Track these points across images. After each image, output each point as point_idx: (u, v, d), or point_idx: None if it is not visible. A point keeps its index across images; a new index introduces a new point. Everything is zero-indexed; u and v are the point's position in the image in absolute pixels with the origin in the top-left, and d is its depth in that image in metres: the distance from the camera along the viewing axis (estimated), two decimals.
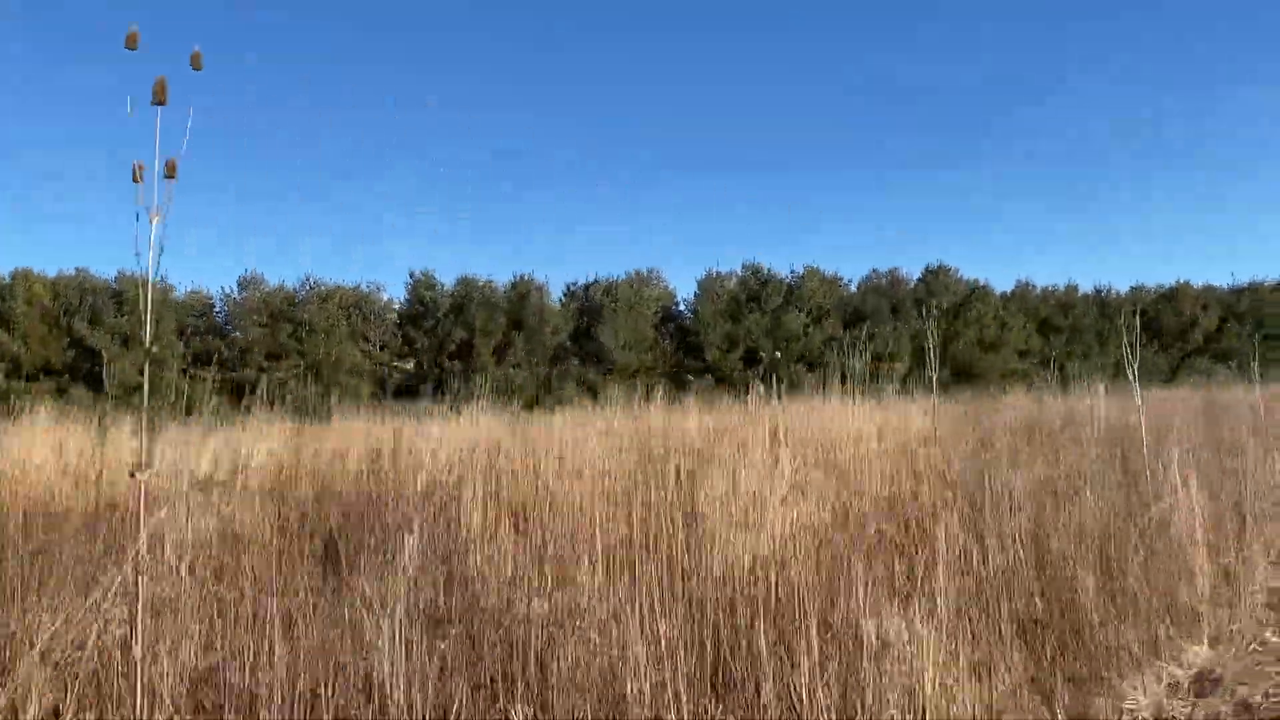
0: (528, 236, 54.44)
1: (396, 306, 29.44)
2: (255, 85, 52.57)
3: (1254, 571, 4.99)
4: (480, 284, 28.82)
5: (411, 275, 28.75)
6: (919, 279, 32.88)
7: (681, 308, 31.82)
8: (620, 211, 57.59)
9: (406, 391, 27.53)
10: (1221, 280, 38.85)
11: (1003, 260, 71.05)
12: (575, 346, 29.16)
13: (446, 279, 29.48)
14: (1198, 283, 36.19)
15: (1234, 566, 4.93)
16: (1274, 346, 35.11)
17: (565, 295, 31.25)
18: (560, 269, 64.69)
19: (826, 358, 30.99)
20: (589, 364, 28.81)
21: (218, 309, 27.01)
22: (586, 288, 30.41)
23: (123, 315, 24.61)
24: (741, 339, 29.64)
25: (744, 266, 31.84)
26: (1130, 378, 9.04)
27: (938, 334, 32.31)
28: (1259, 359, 33.70)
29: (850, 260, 68.63)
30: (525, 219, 56.21)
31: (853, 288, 33.04)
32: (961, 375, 31.02)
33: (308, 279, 27.76)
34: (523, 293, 28.85)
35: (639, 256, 73.71)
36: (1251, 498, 6.12)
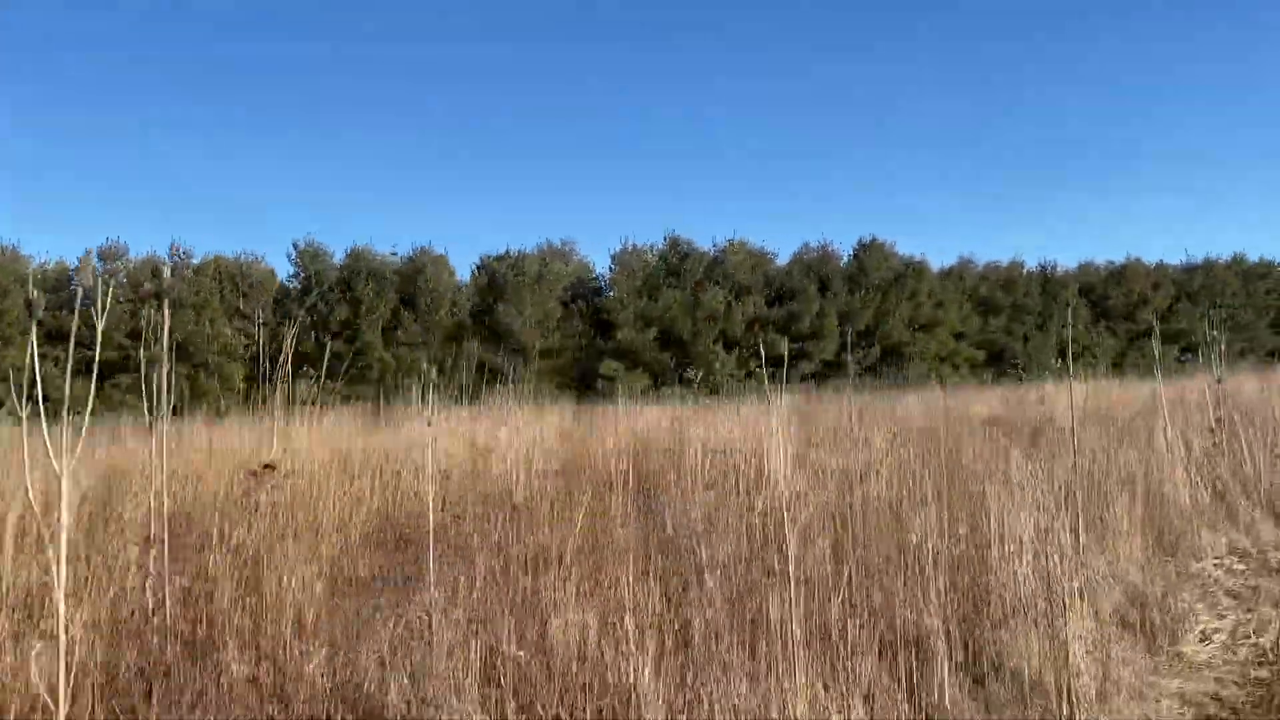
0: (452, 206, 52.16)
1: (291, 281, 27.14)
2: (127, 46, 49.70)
3: None
4: (372, 256, 26.55)
5: (296, 246, 26.42)
6: (851, 254, 30.87)
7: (603, 283, 29.71)
8: (544, 182, 55.33)
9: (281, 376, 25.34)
10: (1176, 258, 37.16)
11: (956, 236, 69.47)
12: (477, 325, 27.01)
13: (341, 249, 27.23)
14: (1151, 260, 34.43)
15: None
16: (1227, 327, 33.45)
17: (477, 269, 29.07)
18: (481, 241, 62.72)
19: (746, 339, 29.15)
20: (491, 344, 26.69)
21: (73, 282, 24.61)
22: (494, 261, 28.18)
23: None
24: (657, 317, 27.59)
25: (666, 239, 29.72)
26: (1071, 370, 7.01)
27: (868, 313, 30.21)
28: (1206, 341, 31.97)
29: (790, 235, 66.61)
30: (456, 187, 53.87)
31: (784, 262, 30.98)
32: (891, 357, 29.20)
33: (176, 248, 25.42)
34: (419, 266, 26.61)
35: (569, 228, 71.31)
36: None
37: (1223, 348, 9.97)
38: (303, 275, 26.44)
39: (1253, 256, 35.58)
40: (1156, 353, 9.71)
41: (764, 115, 59.35)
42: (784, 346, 29.31)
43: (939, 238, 64.55)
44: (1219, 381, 9.22)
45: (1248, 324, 33.45)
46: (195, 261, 25.49)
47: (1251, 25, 57.84)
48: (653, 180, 56.84)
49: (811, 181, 57.67)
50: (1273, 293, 34.30)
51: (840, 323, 28.90)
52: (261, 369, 25.12)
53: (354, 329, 25.22)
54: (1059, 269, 33.01)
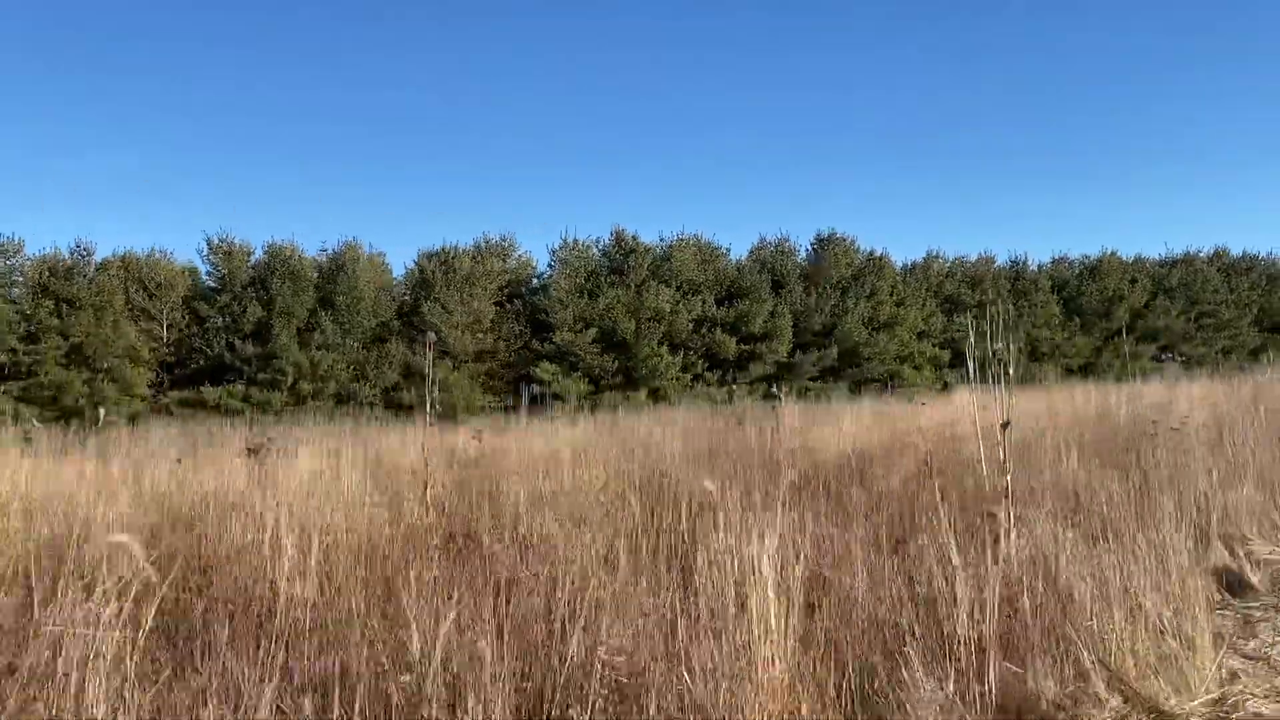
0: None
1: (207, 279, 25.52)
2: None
3: None
4: (290, 253, 24.93)
5: (209, 242, 24.80)
6: (809, 249, 29.25)
7: (542, 281, 28.09)
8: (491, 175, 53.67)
9: (190, 381, 23.81)
10: (1155, 252, 35.50)
11: (927, 232, 67.86)
12: (404, 326, 25.40)
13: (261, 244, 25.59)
14: (1128, 254, 32.80)
15: None
16: (1204, 325, 31.91)
17: (412, 267, 27.47)
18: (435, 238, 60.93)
19: (693, 340, 27.54)
20: (421, 346, 25.08)
21: None
22: (425, 258, 26.58)
23: None
24: (598, 317, 25.97)
25: (612, 234, 28.08)
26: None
27: (825, 312, 28.49)
28: (1182, 340, 30.36)
29: (750, 231, 64.95)
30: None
31: (741, 258, 29.33)
32: (848, 358, 27.61)
33: (79, 245, 23.82)
34: (340, 264, 25.00)
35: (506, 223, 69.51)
36: None
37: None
38: (217, 274, 24.84)
39: (1235, 250, 33.99)
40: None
41: (730, 107, 57.72)
42: (732, 347, 27.84)
43: (908, 233, 62.99)
44: None
45: (1230, 321, 31.82)
46: (97, 258, 23.90)
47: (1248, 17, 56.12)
48: (614, 174, 55.23)
49: (783, 175, 56.05)
50: (1256, 288, 32.64)
51: (795, 322, 27.31)
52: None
53: (268, 331, 23.61)
54: (1031, 264, 31.39)
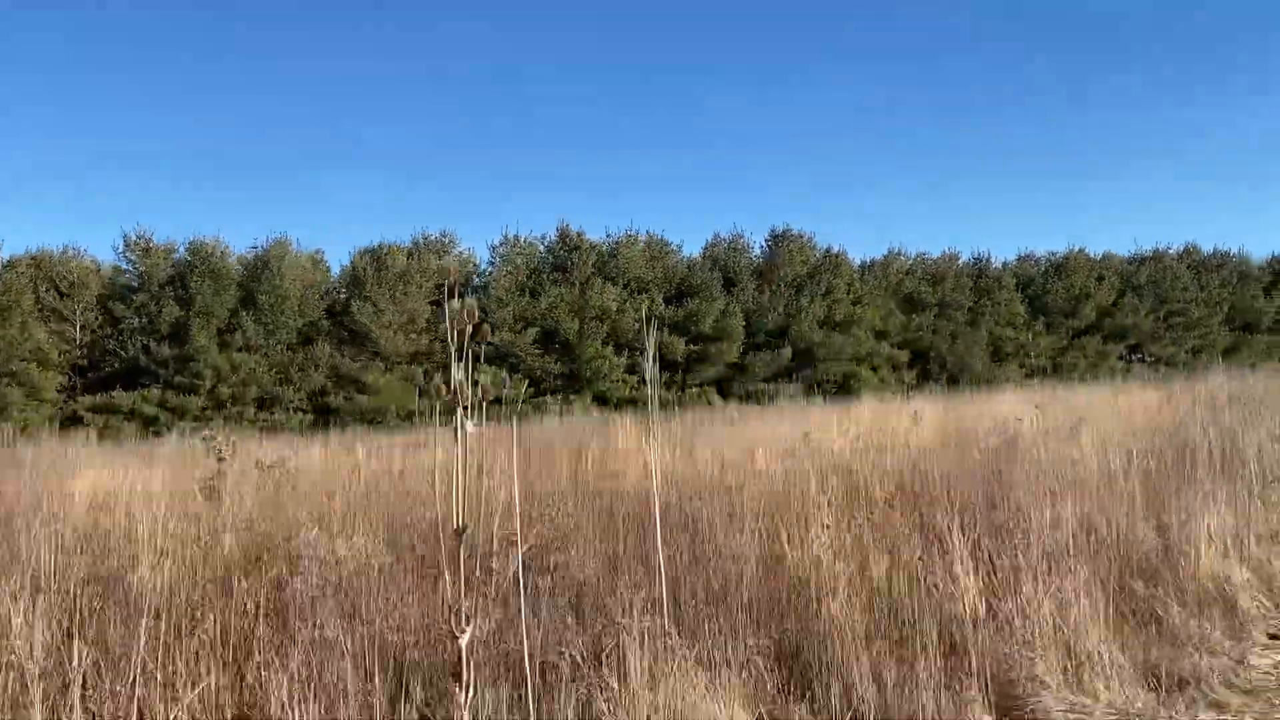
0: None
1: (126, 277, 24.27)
2: None
3: None
4: (212, 250, 23.71)
5: (126, 239, 23.59)
6: (763, 246, 28.20)
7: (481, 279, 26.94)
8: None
9: (103, 385, 22.58)
10: (1124, 249, 34.60)
11: (895, 229, 66.89)
12: (334, 326, 24.22)
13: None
14: (1096, 251, 31.84)
15: None
16: (1173, 324, 30.98)
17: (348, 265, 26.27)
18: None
19: (639, 341, 26.43)
20: (351, 348, 23.93)
21: None
22: (358, 256, 25.40)
23: None
24: (540, 316, 24.85)
25: (558, 229, 26.97)
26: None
27: (778, 310, 27.46)
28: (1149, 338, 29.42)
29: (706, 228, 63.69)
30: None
31: (693, 255, 28.23)
32: (803, 359, 26.57)
33: None
34: (265, 261, 23.80)
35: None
36: None
37: None
38: (135, 272, 23.62)
39: (1206, 247, 33.11)
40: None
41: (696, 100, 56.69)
42: (681, 348, 26.74)
43: (871, 231, 62.11)
44: None
45: (1199, 320, 30.87)
46: (4, 255, 22.65)
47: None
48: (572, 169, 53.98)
49: (741, 175, 55.05)
50: (1226, 285, 31.72)
51: (748, 322, 26.25)
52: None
53: (185, 332, 22.40)
54: (995, 261, 30.41)
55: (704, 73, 57.51)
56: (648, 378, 4.41)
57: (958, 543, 4.09)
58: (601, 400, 25.19)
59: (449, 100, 54.77)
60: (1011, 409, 10.94)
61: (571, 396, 24.68)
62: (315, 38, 52.88)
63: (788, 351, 26.28)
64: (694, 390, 25.63)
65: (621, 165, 53.95)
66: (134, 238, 23.43)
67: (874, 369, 27.30)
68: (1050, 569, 3.99)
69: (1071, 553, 4.23)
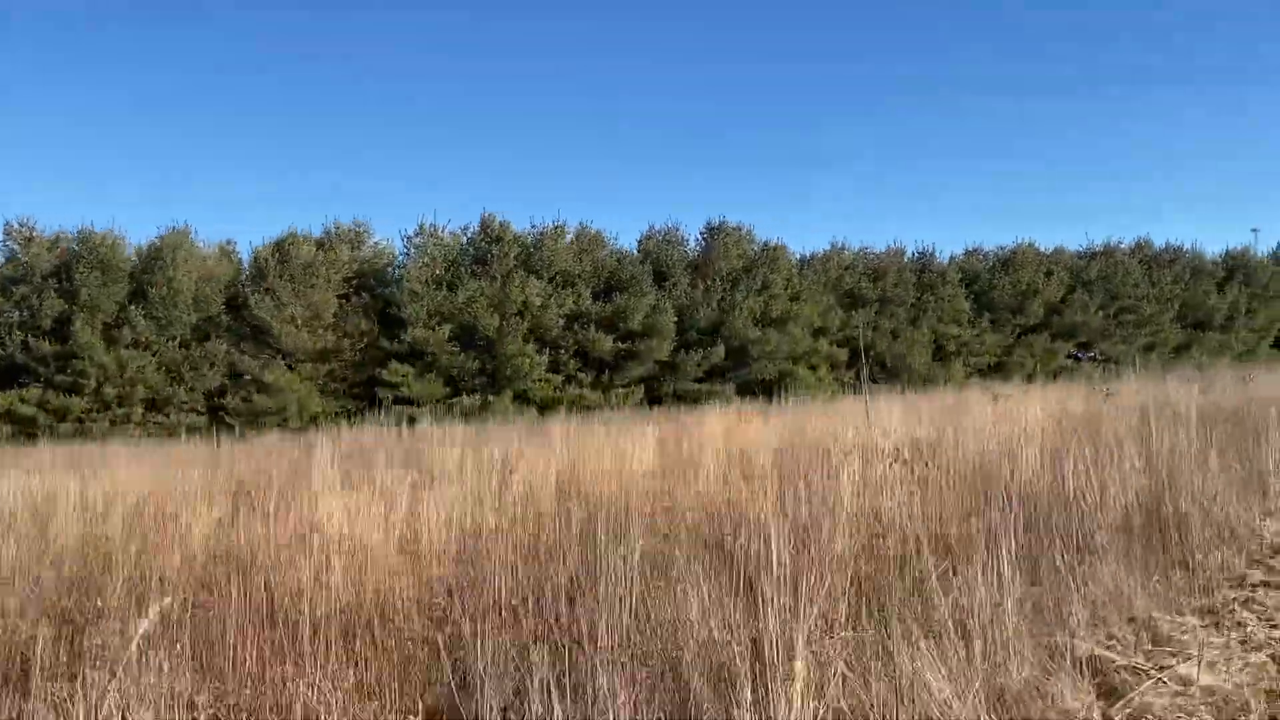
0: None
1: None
2: None
3: None
4: (102, 240, 22.22)
5: (7, 227, 22.06)
6: (698, 238, 27.03)
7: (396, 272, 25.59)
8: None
9: None
10: (1076, 243, 33.72)
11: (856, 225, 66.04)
12: (233, 322, 22.82)
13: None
14: (1047, 246, 30.89)
15: None
16: (1123, 321, 30.13)
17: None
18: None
19: (564, 337, 25.22)
20: (251, 344, 22.55)
21: None
22: (262, 246, 23.97)
23: None
24: (457, 311, 23.55)
25: (481, 220, 25.61)
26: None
27: (712, 305, 26.17)
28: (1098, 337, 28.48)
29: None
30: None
31: (626, 248, 27.00)
32: (737, 358, 25.45)
33: None
34: (156, 252, 22.34)
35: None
36: None
37: None
38: (17, 262, 22.10)
39: (1159, 241, 32.30)
40: None
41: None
42: (608, 345, 25.55)
43: (820, 225, 61.25)
44: None
45: (1151, 316, 30.03)
46: None
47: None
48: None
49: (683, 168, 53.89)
50: (1179, 281, 30.92)
51: (680, 318, 25.07)
52: None
53: (68, 326, 20.94)
54: (940, 256, 29.41)
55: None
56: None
57: None
58: (523, 399, 23.99)
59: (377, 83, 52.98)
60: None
61: (490, 397, 23.44)
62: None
63: (720, 349, 25.15)
64: (620, 391, 24.47)
65: (551, 156, 52.54)
66: (16, 226, 21.92)
67: (812, 368, 26.25)
68: None
69: None
